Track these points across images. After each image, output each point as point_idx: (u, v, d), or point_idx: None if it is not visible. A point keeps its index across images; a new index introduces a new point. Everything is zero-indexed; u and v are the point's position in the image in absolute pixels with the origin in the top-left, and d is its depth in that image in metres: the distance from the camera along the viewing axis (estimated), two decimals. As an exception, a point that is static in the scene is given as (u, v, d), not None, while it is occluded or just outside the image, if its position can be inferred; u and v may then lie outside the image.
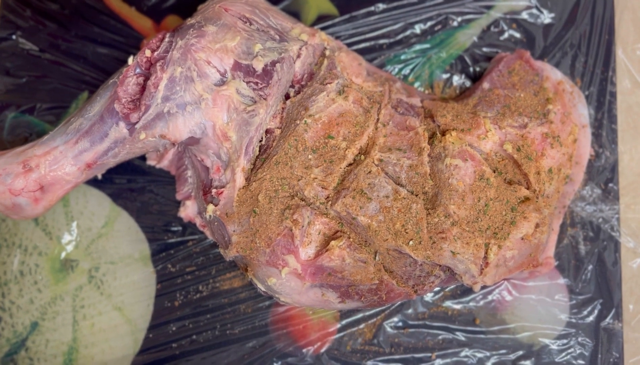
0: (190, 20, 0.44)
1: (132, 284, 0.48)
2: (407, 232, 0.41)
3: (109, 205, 0.49)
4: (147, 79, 0.43)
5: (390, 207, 0.41)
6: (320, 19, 0.51)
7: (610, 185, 0.49)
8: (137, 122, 0.42)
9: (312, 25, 0.51)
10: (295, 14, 0.51)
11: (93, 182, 0.49)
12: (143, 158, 0.49)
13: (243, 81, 0.43)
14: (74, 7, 0.51)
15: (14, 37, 0.51)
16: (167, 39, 0.43)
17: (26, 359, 0.47)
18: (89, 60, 0.51)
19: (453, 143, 0.43)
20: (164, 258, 0.48)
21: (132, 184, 0.49)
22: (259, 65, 0.43)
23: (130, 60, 0.43)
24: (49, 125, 0.50)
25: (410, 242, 0.41)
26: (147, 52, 0.43)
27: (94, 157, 0.44)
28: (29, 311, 0.48)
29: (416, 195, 0.42)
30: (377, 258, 0.42)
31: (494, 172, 0.44)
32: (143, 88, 0.43)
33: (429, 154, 0.44)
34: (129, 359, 0.47)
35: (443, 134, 0.44)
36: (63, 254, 0.48)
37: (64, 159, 0.43)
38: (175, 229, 0.49)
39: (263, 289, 0.44)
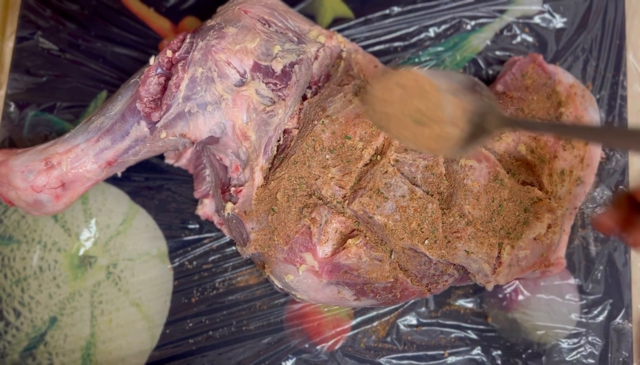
0: (210, 22, 0.45)
1: (149, 281, 0.49)
2: (422, 232, 0.42)
3: (127, 203, 0.50)
4: (168, 79, 0.44)
5: (406, 206, 0.42)
6: (336, 21, 0.52)
7: (621, 187, 0.50)
8: (158, 121, 0.43)
9: (328, 27, 0.52)
10: (311, 16, 0.52)
11: (112, 180, 0.50)
12: (161, 156, 0.50)
13: (262, 82, 0.43)
14: (94, 7, 0.52)
15: (34, 36, 0.51)
16: (187, 40, 0.44)
17: (45, 353, 0.48)
18: (107, 60, 0.51)
19: (468, 144, 0.44)
20: (181, 255, 0.49)
21: (150, 182, 0.50)
22: (278, 67, 0.44)
23: (152, 60, 0.43)
24: (68, 123, 0.51)
25: (426, 241, 0.42)
26: (169, 53, 0.44)
27: (115, 155, 0.44)
28: (47, 306, 0.48)
29: (432, 195, 0.43)
30: (392, 256, 0.43)
31: (508, 173, 0.45)
32: (164, 88, 0.43)
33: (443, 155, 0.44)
34: (146, 354, 0.48)
35: (458, 135, 0.45)
36: (82, 251, 0.49)
37: (85, 157, 0.44)
38: (192, 226, 0.49)
39: (280, 286, 0.45)
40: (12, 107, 0.50)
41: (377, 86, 0.37)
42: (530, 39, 0.52)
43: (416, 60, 0.51)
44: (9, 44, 0.52)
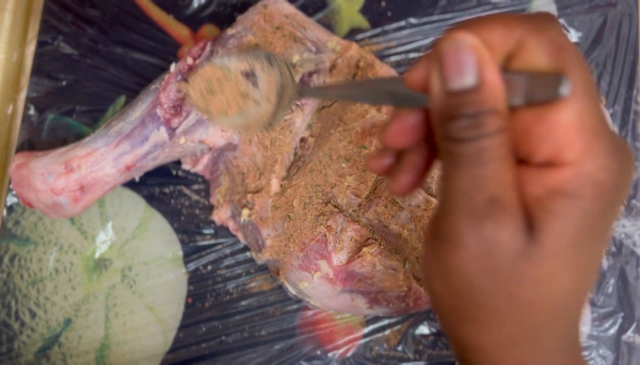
0: (230, 31, 0.46)
1: (164, 284, 0.49)
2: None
3: (143, 207, 0.50)
4: (188, 85, 0.44)
5: (421, 216, 0.43)
6: (352, 32, 0.52)
7: (633, 201, 0.50)
8: (177, 127, 0.44)
9: (344, 38, 0.52)
10: (328, 26, 0.52)
11: (129, 184, 0.50)
12: (178, 162, 0.50)
13: (281, 90, 0.44)
14: (114, 13, 0.53)
15: (55, 41, 0.52)
16: (208, 48, 0.45)
17: (59, 354, 0.48)
18: (127, 65, 0.52)
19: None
20: (196, 260, 0.50)
21: (167, 186, 0.51)
22: (296, 76, 0.44)
23: (173, 67, 0.44)
24: (86, 127, 0.51)
25: (440, 251, 0.42)
26: (189, 60, 0.44)
27: (134, 160, 0.45)
28: (63, 308, 0.49)
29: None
30: (406, 266, 0.43)
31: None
32: (184, 95, 0.44)
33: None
34: (159, 357, 0.48)
35: (473, 146, 0.45)
36: (97, 253, 0.50)
37: (104, 161, 0.45)
38: (207, 231, 0.50)
39: (294, 292, 0.45)
40: (32, 111, 0.51)
41: (190, 87, 0.40)
42: (545, 52, 0.52)
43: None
44: (31, 48, 0.53)
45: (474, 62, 0.23)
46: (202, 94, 0.40)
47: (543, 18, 0.24)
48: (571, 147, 0.23)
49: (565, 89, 0.22)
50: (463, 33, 0.23)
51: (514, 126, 0.24)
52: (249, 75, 0.39)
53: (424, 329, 0.49)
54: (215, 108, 0.40)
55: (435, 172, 0.44)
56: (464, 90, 0.23)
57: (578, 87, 0.23)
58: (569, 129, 0.23)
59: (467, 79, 0.23)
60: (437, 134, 0.24)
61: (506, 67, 0.24)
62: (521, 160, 0.24)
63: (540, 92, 0.23)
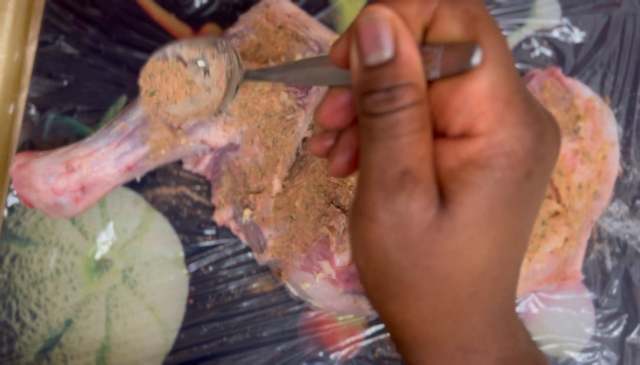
0: (232, 30, 0.46)
1: (165, 285, 0.49)
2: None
3: (144, 207, 0.50)
4: (189, 85, 0.44)
5: (424, 217, 0.42)
6: (355, 31, 0.52)
7: (638, 202, 0.50)
8: (179, 127, 0.44)
9: (347, 37, 0.52)
10: (330, 26, 0.52)
11: (130, 184, 0.50)
12: (179, 162, 0.50)
13: (283, 90, 0.44)
14: (115, 13, 0.53)
15: (56, 41, 0.52)
16: (210, 47, 0.45)
17: (60, 355, 0.48)
18: (128, 65, 0.52)
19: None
20: (197, 261, 0.49)
21: (168, 187, 0.50)
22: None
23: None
24: (87, 127, 0.51)
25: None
26: (191, 59, 0.44)
27: (135, 160, 0.45)
28: (63, 309, 0.49)
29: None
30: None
31: (526, 185, 0.45)
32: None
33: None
34: (160, 358, 0.48)
35: (476, 147, 0.45)
36: (98, 254, 0.50)
37: (105, 161, 0.45)
38: (208, 232, 0.50)
39: (296, 293, 0.45)
40: (33, 110, 0.51)
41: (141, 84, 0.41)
42: (548, 52, 0.52)
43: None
44: (32, 48, 0.52)
45: (389, 35, 0.23)
46: (148, 89, 0.41)
47: None
48: (483, 117, 0.22)
49: (476, 59, 0.22)
50: (379, 7, 0.23)
51: (432, 99, 0.24)
52: (201, 62, 0.40)
53: (426, 331, 0.48)
54: (163, 98, 0.40)
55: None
56: (380, 63, 0.23)
57: (491, 57, 0.22)
58: (481, 99, 0.22)
59: (383, 53, 0.23)
60: (357, 108, 0.24)
61: (424, 40, 0.24)
62: (440, 133, 0.24)
63: (454, 63, 0.23)
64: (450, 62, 0.23)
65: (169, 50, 0.40)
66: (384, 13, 0.23)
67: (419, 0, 0.24)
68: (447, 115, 0.23)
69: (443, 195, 0.23)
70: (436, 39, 0.24)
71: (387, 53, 0.23)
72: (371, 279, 0.25)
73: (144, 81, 0.41)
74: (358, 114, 0.24)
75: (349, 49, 0.24)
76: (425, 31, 0.24)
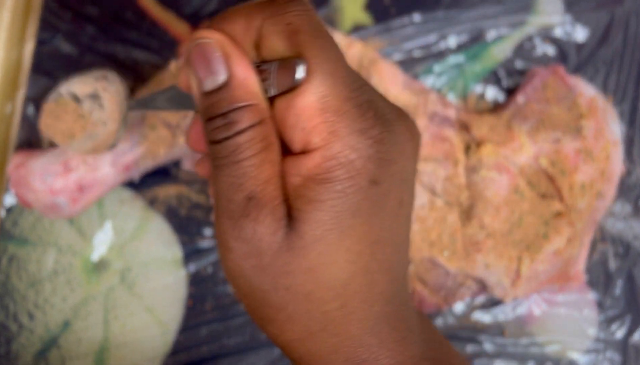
0: (231, 28, 0.45)
1: (163, 286, 0.49)
2: (442, 243, 0.42)
3: (142, 208, 0.50)
4: (188, 84, 0.44)
5: (425, 217, 0.42)
6: (356, 29, 0.52)
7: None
8: (176, 126, 0.43)
9: (347, 35, 0.51)
10: (330, 23, 0.52)
11: (128, 184, 0.49)
12: (178, 162, 0.50)
13: (283, 89, 0.43)
14: (114, 11, 0.52)
15: (54, 39, 0.51)
16: (208, 46, 0.44)
17: (58, 356, 0.48)
18: (126, 64, 0.51)
19: (489, 155, 0.44)
20: (196, 261, 0.49)
21: (166, 187, 0.50)
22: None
23: (173, 65, 0.43)
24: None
25: (445, 253, 0.42)
26: (190, 58, 0.43)
27: (133, 160, 0.44)
28: (61, 310, 0.48)
29: (451, 206, 0.43)
30: (410, 267, 0.43)
31: (528, 185, 0.44)
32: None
33: (464, 166, 0.44)
34: (159, 360, 0.48)
35: (478, 146, 0.44)
36: (96, 255, 0.49)
37: (103, 161, 0.44)
38: (208, 232, 0.49)
39: (296, 294, 0.44)
40: (31, 109, 0.51)
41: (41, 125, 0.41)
42: (551, 50, 0.51)
43: (436, 69, 0.51)
44: (29, 47, 0.52)
45: (220, 58, 0.23)
46: (46, 133, 0.41)
47: (281, 1, 0.23)
48: (316, 132, 0.22)
49: (300, 73, 0.22)
50: (205, 31, 0.23)
51: (275, 115, 0.23)
52: (95, 97, 0.40)
53: (428, 332, 0.48)
54: (60, 137, 0.40)
55: (440, 172, 0.43)
56: (216, 88, 0.23)
57: (316, 68, 0.22)
58: (312, 113, 0.22)
59: (217, 77, 0.23)
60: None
61: (261, 57, 0.24)
62: (288, 150, 0.24)
63: (286, 79, 0.22)
64: (282, 78, 0.23)
65: (63, 88, 0.40)
66: (211, 37, 0.23)
67: (244, 19, 0.23)
68: (287, 133, 0.23)
69: (291, 213, 0.23)
70: (268, 55, 0.23)
71: (221, 77, 0.23)
72: (247, 305, 0.25)
73: (44, 126, 0.41)
74: (206, 141, 0.24)
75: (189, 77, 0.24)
76: (257, 48, 0.24)
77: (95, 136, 0.39)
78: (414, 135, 0.25)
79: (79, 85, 0.40)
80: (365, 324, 0.24)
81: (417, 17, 0.52)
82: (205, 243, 0.49)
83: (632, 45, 0.51)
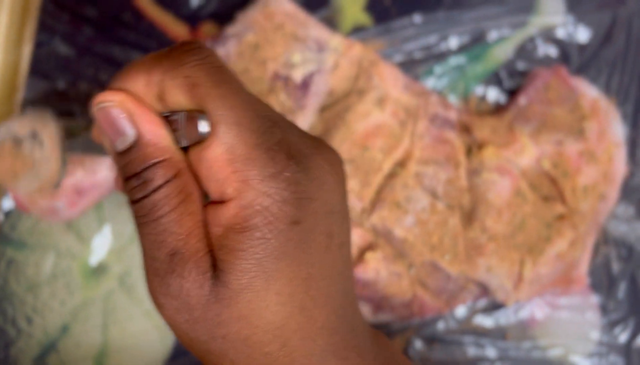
0: (230, 30, 0.45)
1: (163, 290, 0.48)
2: (443, 246, 0.41)
3: (141, 211, 0.49)
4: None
5: (426, 220, 0.41)
6: (356, 30, 0.51)
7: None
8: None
9: (347, 36, 0.51)
10: (330, 24, 0.51)
11: (127, 187, 0.49)
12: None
13: (282, 91, 0.43)
14: (112, 12, 0.52)
15: (52, 41, 0.51)
16: (207, 48, 0.44)
17: (57, 361, 0.47)
18: (124, 65, 0.51)
19: (490, 158, 0.43)
20: (196, 265, 0.49)
21: (165, 190, 0.49)
22: (297, 76, 0.43)
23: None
24: (84, 129, 0.50)
25: (446, 256, 0.41)
26: (188, 60, 0.43)
27: (131, 163, 0.44)
28: (60, 314, 0.48)
29: (453, 209, 0.43)
30: (411, 271, 0.42)
31: (530, 187, 0.44)
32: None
33: (465, 168, 0.44)
34: (158, 364, 0.47)
35: (480, 148, 0.44)
36: (95, 258, 0.49)
37: (101, 164, 0.44)
38: (207, 236, 0.49)
39: (296, 298, 0.44)
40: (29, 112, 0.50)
41: None
42: (553, 51, 0.51)
43: (437, 71, 0.51)
44: (27, 49, 0.51)
45: (125, 118, 0.23)
46: None
47: (179, 52, 0.23)
48: (228, 182, 0.22)
49: (204, 127, 0.22)
50: (107, 94, 0.23)
51: (193, 167, 0.23)
52: (35, 136, 0.40)
53: (429, 336, 0.48)
54: (4, 177, 0.40)
55: (441, 175, 0.43)
56: (126, 149, 0.23)
57: (219, 120, 0.22)
58: (222, 164, 0.22)
59: (126, 138, 0.23)
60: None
61: (168, 108, 0.24)
62: (211, 201, 0.24)
63: (193, 131, 0.22)
64: (190, 129, 0.23)
65: (1, 130, 0.40)
66: (112, 98, 0.23)
67: (144, 74, 0.23)
68: (203, 184, 0.23)
69: (216, 264, 0.23)
70: (173, 107, 0.23)
71: (130, 137, 0.23)
72: (192, 352, 0.25)
73: None
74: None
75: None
76: (162, 100, 0.24)
77: (40, 175, 0.39)
78: (334, 165, 0.25)
79: (17, 125, 0.40)
80: (310, 359, 0.24)
81: (417, 18, 0.51)
82: (204, 246, 0.49)
83: (635, 45, 0.51)
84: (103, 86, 0.50)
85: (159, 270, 0.23)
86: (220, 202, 0.23)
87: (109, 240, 0.49)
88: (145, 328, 0.48)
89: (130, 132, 0.23)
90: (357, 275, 0.41)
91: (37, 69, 0.51)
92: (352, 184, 0.42)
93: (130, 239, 0.49)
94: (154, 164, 0.23)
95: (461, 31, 0.51)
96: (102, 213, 0.49)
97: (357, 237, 0.41)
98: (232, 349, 0.24)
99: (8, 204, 0.49)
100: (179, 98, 0.23)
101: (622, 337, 0.47)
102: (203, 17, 0.52)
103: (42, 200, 0.44)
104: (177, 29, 0.52)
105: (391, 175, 0.43)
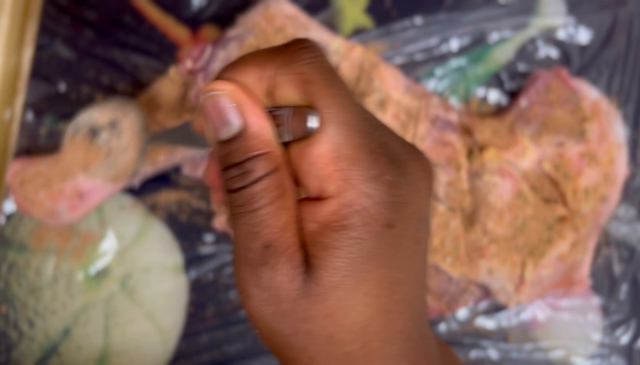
0: (231, 33, 0.45)
1: (164, 293, 0.48)
2: (444, 249, 0.41)
3: (143, 214, 0.49)
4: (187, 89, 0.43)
5: (428, 223, 0.41)
6: (357, 32, 0.51)
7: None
8: (177, 132, 0.43)
9: (348, 38, 0.51)
10: (331, 27, 0.51)
11: (128, 191, 0.49)
12: (178, 168, 0.49)
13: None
14: (112, 15, 0.52)
15: (53, 44, 0.51)
16: (208, 51, 0.44)
17: (59, 364, 0.47)
18: (125, 68, 0.51)
19: (492, 160, 0.43)
20: (197, 268, 0.49)
21: (166, 193, 0.49)
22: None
23: (173, 71, 0.43)
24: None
25: (448, 259, 0.41)
26: (189, 63, 0.43)
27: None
28: (62, 317, 0.48)
29: (454, 212, 0.42)
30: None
31: (532, 190, 0.44)
32: (183, 99, 0.43)
33: (466, 170, 0.44)
34: (160, 367, 0.47)
35: (481, 150, 0.44)
36: (96, 261, 0.49)
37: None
38: (208, 238, 0.49)
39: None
40: (30, 115, 0.50)
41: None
42: (554, 52, 0.51)
43: (438, 73, 0.51)
44: (28, 52, 0.52)
45: (234, 109, 0.23)
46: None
47: (293, 49, 0.24)
48: (330, 180, 0.23)
49: (313, 123, 0.23)
50: (218, 82, 0.24)
51: (291, 161, 0.24)
52: (114, 125, 0.40)
53: (431, 338, 0.48)
54: (77, 169, 0.40)
55: (442, 177, 0.43)
56: (230, 138, 0.23)
57: (329, 118, 0.23)
58: (325, 162, 0.23)
59: (231, 127, 0.23)
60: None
61: (274, 103, 0.24)
62: (306, 197, 0.24)
63: (299, 126, 0.23)
64: (296, 125, 0.23)
65: (81, 118, 0.40)
66: (223, 88, 0.24)
67: (256, 68, 0.24)
68: (302, 180, 0.24)
69: (308, 260, 0.23)
70: (281, 103, 0.24)
71: (235, 127, 0.23)
72: (269, 346, 0.26)
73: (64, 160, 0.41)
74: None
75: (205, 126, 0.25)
76: (270, 95, 0.24)
77: (115, 165, 0.39)
78: (428, 172, 0.25)
79: (98, 113, 0.40)
80: (385, 361, 0.25)
81: (418, 20, 0.51)
82: (205, 249, 0.49)
83: (635, 46, 0.51)
84: (104, 89, 0.50)
85: (251, 260, 0.23)
86: (318, 199, 0.23)
87: (111, 243, 0.49)
88: (146, 331, 0.48)
89: (236, 122, 0.23)
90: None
91: (38, 71, 0.51)
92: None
93: (132, 241, 0.49)
94: (257, 156, 0.23)
95: (462, 33, 0.51)
96: (104, 216, 0.49)
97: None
98: (314, 345, 0.24)
99: (10, 207, 0.49)
100: (289, 93, 0.23)
101: (624, 338, 0.47)
102: (204, 19, 0.52)
103: (46, 203, 0.44)
104: (178, 31, 0.52)
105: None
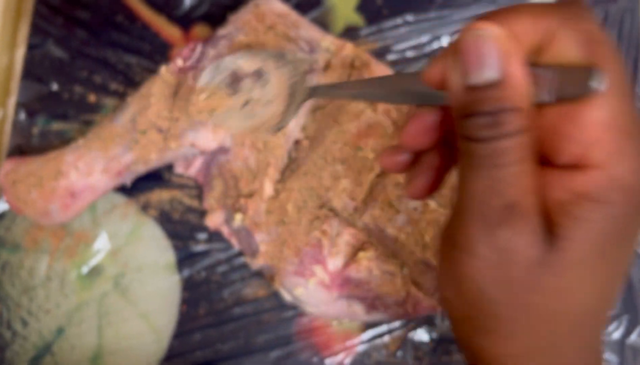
0: (221, 31, 0.45)
1: (157, 292, 0.48)
2: (436, 245, 0.41)
3: (135, 213, 0.49)
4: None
5: (418, 219, 0.41)
6: (348, 30, 0.51)
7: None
8: (168, 131, 0.43)
9: (339, 36, 0.51)
10: (322, 25, 0.51)
11: (121, 189, 0.49)
12: (170, 166, 0.49)
13: (274, 92, 0.43)
14: (105, 15, 0.52)
15: (45, 44, 0.51)
16: (198, 50, 0.44)
17: (52, 363, 0.47)
18: (117, 68, 0.51)
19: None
20: (189, 266, 0.49)
21: (159, 191, 0.50)
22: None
23: (164, 70, 0.43)
24: (77, 132, 0.50)
25: (439, 255, 0.41)
26: (179, 62, 0.43)
27: (125, 164, 0.44)
28: (55, 316, 0.48)
29: (444, 208, 0.43)
30: (404, 270, 0.42)
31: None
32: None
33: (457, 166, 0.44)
34: (153, 366, 0.47)
35: (471, 147, 0.44)
36: (89, 260, 0.49)
37: (95, 166, 0.44)
38: (201, 237, 0.49)
39: (289, 298, 0.44)
40: (22, 115, 0.50)
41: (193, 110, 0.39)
42: (545, 49, 0.51)
43: (429, 70, 0.51)
44: (20, 52, 0.52)
45: (496, 54, 0.21)
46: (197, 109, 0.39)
47: (575, 7, 0.22)
48: (600, 148, 0.21)
49: (599, 84, 0.21)
50: (486, 23, 0.22)
51: (540, 125, 0.22)
52: (259, 75, 0.38)
53: (423, 335, 0.48)
54: (199, 114, 0.39)
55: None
56: (484, 85, 0.21)
57: (615, 84, 0.21)
58: (599, 127, 0.21)
59: (488, 73, 0.21)
60: (456, 132, 0.23)
61: (535, 61, 0.22)
62: (545, 162, 0.22)
63: (571, 87, 0.21)
64: (566, 86, 0.21)
65: (227, 60, 0.38)
66: (491, 30, 0.21)
67: (532, 18, 0.22)
68: (557, 143, 0.22)
69: (551, 229, 0.22)
70: (550, 59, 0.22)
71: (493, 74, 0.21)
72: (460, 312, 0.24)
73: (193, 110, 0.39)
74: (458, 137, 0.23)
75: (449, 67, 0.22)
76: (537, 50, 0.22)
77: (255, 115, 0.37)
78: None
79: (245, 59, 0.37)
80: (582, 351, 0.24)
81: (409, 17, 0.51)
82: (198, 247, 0.49)
83: (626, 42, 0.51)
84: (96, 88, 0.50)
85: (488, 217, 0.22)
86: (573, 166, 0.22)
87: (104, 242, 0.49)
88: (140, 330, 0.48)
89: (494, 69, 0.21)
90: (349, 275, 0.41)
91: (31, 71, 0.51)
92: (345, 184, 0.42)
93: (125, 240, 0.49)
94: (511, 109, 0.21)
95: (453, 30, 0.51)
96: (96, 215, 0.49)
97: (350, 236, 0.41)
98: (526, 319, 0.22)
99: (2, 206, 0.49)
100: (571, 49, 0.22)
101: (616, 334, 0.47)
102: (195, 18, 0.52)
103: (38, 202, 0.44)
104: (170, 30, 0.52)
105: (383, 175, 0.43)
